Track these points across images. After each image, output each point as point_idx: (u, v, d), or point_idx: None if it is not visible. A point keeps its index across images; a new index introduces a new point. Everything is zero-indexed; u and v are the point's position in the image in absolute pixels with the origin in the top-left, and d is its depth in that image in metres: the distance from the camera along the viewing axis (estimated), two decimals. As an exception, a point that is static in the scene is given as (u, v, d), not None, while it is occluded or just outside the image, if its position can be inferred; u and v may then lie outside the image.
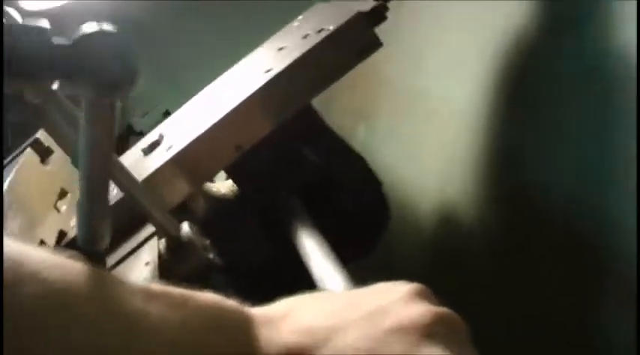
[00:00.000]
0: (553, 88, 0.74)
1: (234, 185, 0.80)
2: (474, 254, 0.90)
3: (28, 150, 0.77)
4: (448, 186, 0.95)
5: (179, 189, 0.67)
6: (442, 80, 0.96)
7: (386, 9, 0.69)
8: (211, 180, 0.75)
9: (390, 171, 0.95)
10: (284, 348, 0.36)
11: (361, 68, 0.88)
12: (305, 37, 0.72)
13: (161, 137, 0.74)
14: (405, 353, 0.35)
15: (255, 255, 0.71)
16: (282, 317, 0.38)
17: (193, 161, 0.67)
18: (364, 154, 0.92)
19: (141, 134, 1.26)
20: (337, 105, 0.77)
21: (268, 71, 0.69)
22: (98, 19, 0.37)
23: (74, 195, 0.79)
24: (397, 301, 0.38)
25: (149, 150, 0.73)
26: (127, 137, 1.28)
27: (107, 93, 0.35)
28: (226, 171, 0.73)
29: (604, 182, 0.65)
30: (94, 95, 0.35)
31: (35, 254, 0.30)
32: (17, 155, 0.80)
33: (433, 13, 0.97)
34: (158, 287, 0.34)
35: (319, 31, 0.69)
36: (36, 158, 0.77)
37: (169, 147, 0.69)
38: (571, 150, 0.71)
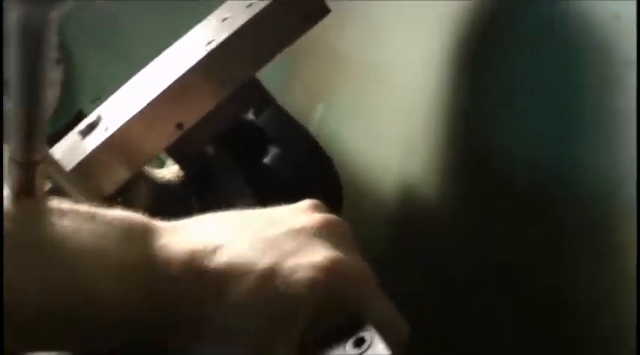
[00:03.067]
0: (512, 50, 0.71)
1: (180, 170, 0.76)
2: (435, 231, 0.87)
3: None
4: (409, 164, 0.91)
5: (117, 174, 0.63)
6: (402, 53, 0.92)
7: (332, -27, 0.65)
8: (151, 163, 0.70)
9: (348, 151, 0.91)
10: (187, 253, 0.39)
11: (316, 44, 0.82)
12: (249, 5, 0.68)
13: (99, 118, 0.70)
14: (294, 249, 0.39)
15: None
16: (183, 226, 0.42)
17: (130, 142, 0.63)
18: (322, 134, 0.87)
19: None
20: (298, 85, 0.74)
21: (210, 43, 0.64)
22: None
23: None
24: (288, 213, 0.43)
25: (86, 132, 0.69)
26: (78, 124, 1.21)
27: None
28: (169, 153, 0.69)
29: (567, 140, 0.63)
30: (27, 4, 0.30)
31: None
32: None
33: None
34: (68, 204, 0.39)
35: (263, -1, 0.65)
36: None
37: (106, 129, 0.65)
38: (531, 110, 0.68)
